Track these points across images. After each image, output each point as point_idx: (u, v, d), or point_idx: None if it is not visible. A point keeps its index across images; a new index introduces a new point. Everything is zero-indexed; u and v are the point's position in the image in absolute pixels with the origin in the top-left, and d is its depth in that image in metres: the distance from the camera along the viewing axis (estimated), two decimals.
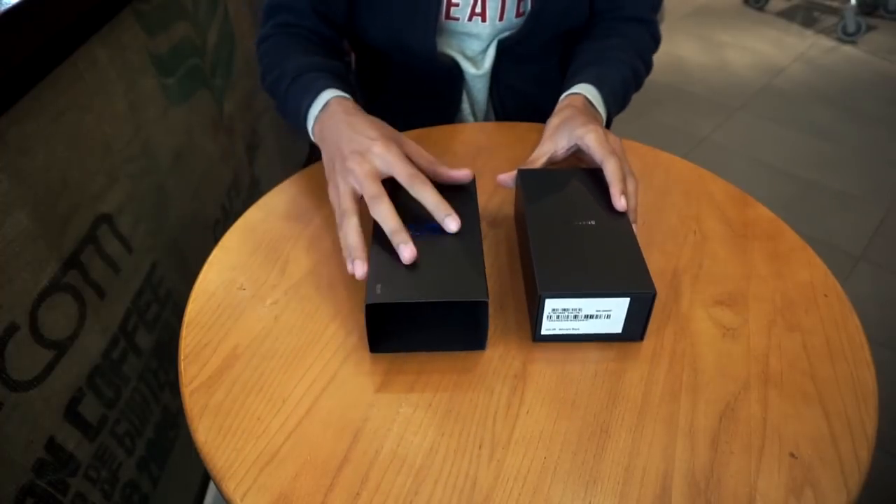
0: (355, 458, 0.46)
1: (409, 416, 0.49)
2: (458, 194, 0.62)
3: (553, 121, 0.71)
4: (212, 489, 1.10)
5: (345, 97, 0.68)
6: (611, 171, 0.60)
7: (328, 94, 0.68)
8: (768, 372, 0.54)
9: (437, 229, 0.57)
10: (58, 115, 0.66)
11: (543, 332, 0.54)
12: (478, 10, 0.82)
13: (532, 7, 0.81)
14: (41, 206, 0.64)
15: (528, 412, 0.50)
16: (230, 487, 0.44)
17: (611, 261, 0.54)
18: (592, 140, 0.64)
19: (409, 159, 0.59)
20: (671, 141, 2.15)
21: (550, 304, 0.51)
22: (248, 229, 0.67)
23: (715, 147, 2.21)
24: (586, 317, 0.53)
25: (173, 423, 0.96)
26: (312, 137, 0.69)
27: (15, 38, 0.58)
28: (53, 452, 0.66)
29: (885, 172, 2.13)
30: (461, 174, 0.62)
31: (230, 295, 0.59)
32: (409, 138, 0.63)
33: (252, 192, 1.30)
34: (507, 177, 0.67)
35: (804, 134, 2.31)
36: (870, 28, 3.04)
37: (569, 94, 0.74)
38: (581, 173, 0.65)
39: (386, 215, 0.55)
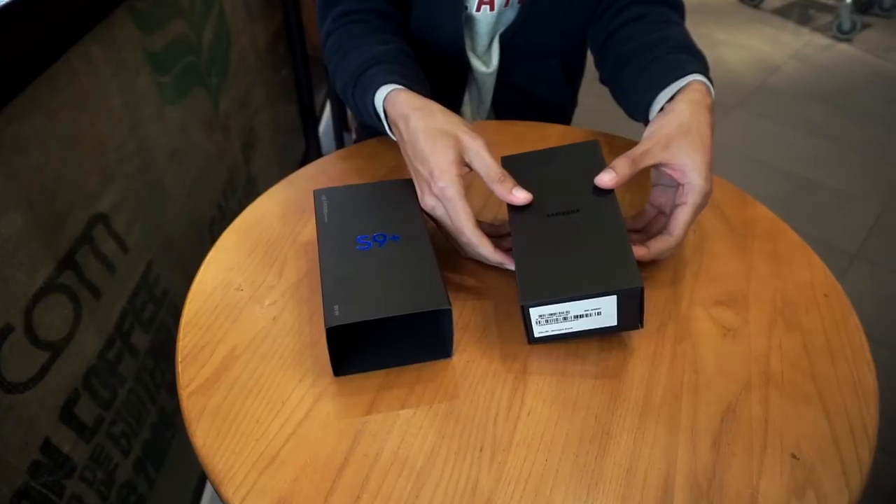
0: (355, 461, 0.46)
1: (410, 417, 0.49)
2: (403, 200, 0.60)
3: (679, 119, 0.60)
4: (208, 490, 1.10)
5: (396, 89, 0.64)
6: (664, 246, 0.58)
7: (382, 94, 0.65)
8: (769, 372, 0.54)
9: (387, 240, 0.56)
10: (53, 113, 0.66)
11: (537, 335, 0.53)
12: None
13: None
14: (36, 205, 0.63)
15: (528, 414, 0.49)
16: (229, 491, 0.44)
17: (595, 256, 0.52)
18: (688, 208, 0.57)
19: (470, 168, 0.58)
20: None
21: (536, 312, 0.50)
22: (245, 229, 0.66)
23: None
24: (576, 317, 0.52)
25: (169, 424, 0.95)
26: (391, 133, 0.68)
27: (10, 36, 0.57)
28: (49, 454, 0.65)
29: (880, 170, 2.13)
30: (520, 197, 0.56)
31: (228, 295, 0.58)
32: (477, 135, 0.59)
33: (248, 191, 1.30)
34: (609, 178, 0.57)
35: (800, 132, 2.32)
36: (865, 26, 3.05)
37: (696, 81, 0.64)
38: (567, 151, 0.62)
39: (487, 257, 0.58)
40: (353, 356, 0.53)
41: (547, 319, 0.51)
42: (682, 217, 0.57)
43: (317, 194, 0.62)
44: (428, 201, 0.58)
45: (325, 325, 0.48)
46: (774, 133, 2.31)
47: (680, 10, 0.80)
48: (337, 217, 0.59)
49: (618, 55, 0.76)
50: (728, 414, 0.50)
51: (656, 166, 0.60)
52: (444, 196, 0.56)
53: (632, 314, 0.52)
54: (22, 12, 0.58)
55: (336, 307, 0.49)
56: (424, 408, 0.50)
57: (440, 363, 0.53)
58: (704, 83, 0.65)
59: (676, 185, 0.60)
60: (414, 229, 0.57)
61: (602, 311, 0.51)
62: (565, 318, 0.51)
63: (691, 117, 0.60)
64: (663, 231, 0.59)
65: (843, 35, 2.97)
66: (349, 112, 1.89)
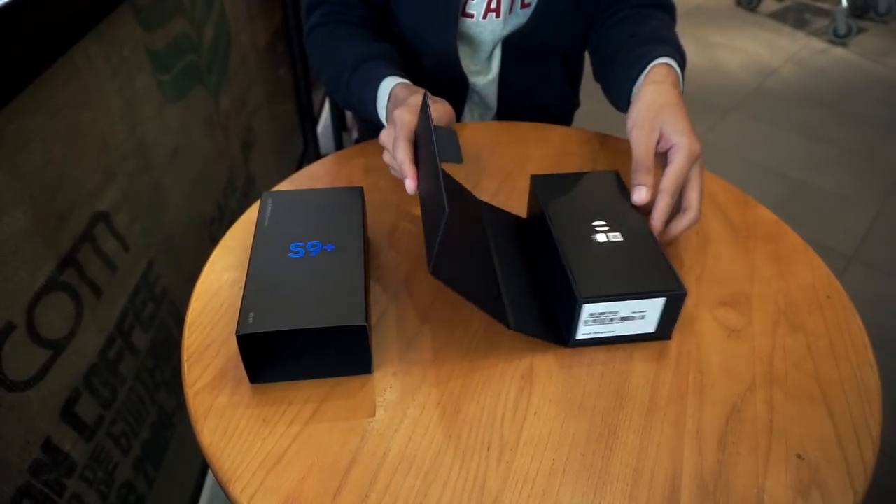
0: (363, 460, 0.46)
1: (417, 417, 0.49)
2: (349, 209, 0.60)
3: (648, 99, 0.65)
4: (207, 489, 1.09)
5: (404, 83, 0.72)
6: (660, 209, 0.59)
7: (389, 83, 0.72)
8: (773, 373, 0.54)
9: (320, 249, 0.55)
10: (55, 111, 0.65)
11: (579, 336, 0.54)
12: (493, 5, 0.81)
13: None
14: (38, 203, 0.63)
15: (535, 413, 0.50)
16: (237, 490, 0.43)
17: (640, 262, 0.54)
18: (676, 163, 0.60)
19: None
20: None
21: (588, 309, 0.51)
22: (249, 228, 0.66)
23: (708, 147, 2.21)
24: (622, 319, 0.53)
25: (168, 423, 0.95)
26: (385, 122, 0.73)
27: (12, 34, 0.56)
28: (50, 453, 0.65)
29: (876, 173, 2.14)
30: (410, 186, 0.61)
31: (233, 294, 0.58)
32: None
33: (247, 190, 1.29)
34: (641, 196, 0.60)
35: (796, 135, 2.33)
36: (860, 30, 3.07)
37: (658, 64, 0.69)
38: (593, 176, 0.65)
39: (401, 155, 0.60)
40: (273, 364, 0.52)
41: (595, 319, 0.52)
42: (669, 173, 0.59)
43: (264, 196, 0.62)
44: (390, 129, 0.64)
45: (236, 333, 0.47)
46: (770, 136, 2.32)
47: (667, 8, 0.83)
48: (277, 222, 0.59)
49: (602, 58, 0.82)
50: (733, 414, 0.50)
51: (657, 149, 0.63)
52: (401, 118, 0.62)
53: (669, 322, 0.54)
54: (24, 10, 0.58)
55: (251, 314, 0.48)
56: (431, 407, 0.50)
57: (446, 363, 0.53)
58: (667, 64, 0.69)
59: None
60: (350, 240, 0.56)
61: (647, 315, 0.53)
62: (612, 320, 0.53)
63: (654, 96, 0.65)
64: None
65: (839, 39, 2.99)
66: (348, 112, 1.89)
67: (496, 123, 0.89)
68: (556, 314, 0.57)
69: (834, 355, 0.56)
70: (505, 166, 0.77)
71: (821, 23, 3.18)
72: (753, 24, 3.17)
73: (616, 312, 0.52)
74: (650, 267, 0.54)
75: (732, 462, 0.47)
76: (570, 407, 0.50)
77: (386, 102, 0.71)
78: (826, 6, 3.34)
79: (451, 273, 0.52)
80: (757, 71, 2.73)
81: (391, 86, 0.71)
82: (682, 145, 0.60)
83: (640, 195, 0.59)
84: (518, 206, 0.70)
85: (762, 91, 2.59)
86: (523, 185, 0.73)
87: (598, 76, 0.83)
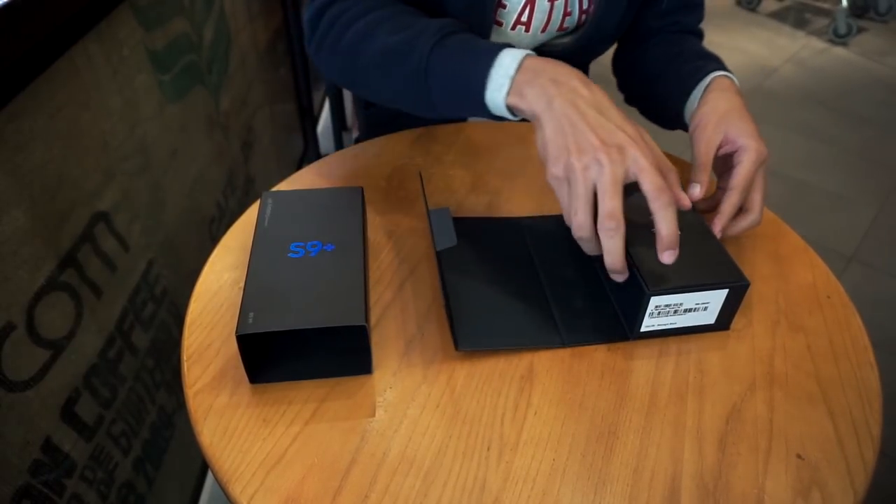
0: (363, 461, 0.46)
1: (417, 417, 0.49)
2: (349, 208, 0.60)
3: (713, 104, 0.66)
4: (207, 489, 1.09)
5: (533, 54, 0.58)
6: (731, 201, 0.59)
7: (514, 53, 0.57)
8: (773, 373, 0.54)
9: (320, 249, 0.55)
10: (55, 111, 0.65)
11: (644, 328, 0.55)
12: (524, 18, 0.78)
13: (585, 26, 0.79)
14: (38, 203, 0.63)
15: (535, 413, 0.50)
16: (237, 490, 0.43)
17: (701, 255, 0.55)
18: (746, 163, 0.60)
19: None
20: (666, 140, 2.15)
21: (655, 301, 0.52)
22: (249, 228, 0.66)
23: None
24: (685, 311, 0.54)
25: (169, 423, 0.95)
26: (506, 101, 0.57)
27: (12, 34, 0.56)
28: (50, 453, 0.65)
29: (876, 173, 2.14)
30: (685, 200, 0.53)
31: (233, 294, 0.58)
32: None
33: (247, 190, 1.29)
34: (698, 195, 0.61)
35: (796, 135, 2.33)
36: (860, 30, 3.07)
37: (718, 76, 0.70)
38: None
39: (616, 254, 0.51)
40: (273, 364, 0.52)
41: (661, 311, 0.53)
42: (739, 172, 0.60)
43: (264, 196, 0.62)
44: (591, 158, 0.50)
45: (236, 333, 0.47)
46: (770, 136, 2.32)
47: (700, 35, 0.85)
48: (277, 222, 0.59)
49: (642, 79, 0.82)
50: (733, 414, 0.50)
51: (718, 151, 0.63)
52: (644, 156, 0.50)
53: (730, 312, 0.56)
54: (24, 9, 0.58)
55: (251, 315, 0.48)
56: (431, 407, 0.50)
57: (446, 363, 0.53)
58: (727, 76, 0.69)
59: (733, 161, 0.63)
60: (350, 240, 0.56)
61: (709, 306, 0.54)
62: (675, 311, 0.54)
63: (723, 102, 0.66)
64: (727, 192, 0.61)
65: (839, 39, 2.99)
66: (348, 111, 1.88)
67: (496, 123, 0.89)
68: (614, 308, 0.58)
69: (834, 355, 0.56)
70: (505, 166, 0.77)
71: (821, 22, 3.19)
72: (753, 24, 3.17)
73: (680, 304, 0.53)
74: (712, 259, 0.55)
75: (732, 462, 0.47)
76: (570, 407, 0.50)
77: (513, 73, 0.56)
78: (826, 6, 3.34)
79: (482, 336, 0.54)
80: (757, 71, 2.73)
81: (521, 56, 0.56)
82: (750, 147, 0.61)
83: (694, 192, 0.60)
84: (519, 206, 0.70)
85: (762, 91, 2.59)
86: (524, 185, 0.73)
87: (636, 97, 0.84)
